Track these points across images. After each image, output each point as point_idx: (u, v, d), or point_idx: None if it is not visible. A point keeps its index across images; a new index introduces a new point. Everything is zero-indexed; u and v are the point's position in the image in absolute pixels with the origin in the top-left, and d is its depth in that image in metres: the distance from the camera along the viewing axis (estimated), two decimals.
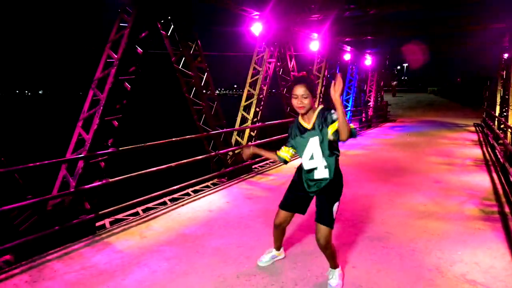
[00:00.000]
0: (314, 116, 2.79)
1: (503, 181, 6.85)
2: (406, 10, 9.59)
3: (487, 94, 17.26)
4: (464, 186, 6.54)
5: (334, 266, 3.11)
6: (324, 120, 2.71)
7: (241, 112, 7.92)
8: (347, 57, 14.23)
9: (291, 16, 8.73)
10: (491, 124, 12.31)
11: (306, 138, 2.82)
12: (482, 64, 21.77)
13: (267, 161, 8.67)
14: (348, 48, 14.40)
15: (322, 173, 2.84)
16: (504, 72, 11.53)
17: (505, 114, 11.56)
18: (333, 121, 2.64)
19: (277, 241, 3.44)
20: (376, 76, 17.72)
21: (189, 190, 6.23)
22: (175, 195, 5.99)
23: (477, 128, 16.41)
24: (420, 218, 4.84)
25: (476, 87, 27.60)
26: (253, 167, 7.82)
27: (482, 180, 6.95)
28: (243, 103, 7.92)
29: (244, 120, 7.96)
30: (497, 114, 12.17)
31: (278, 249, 3.52)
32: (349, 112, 14.46)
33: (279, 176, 7.22)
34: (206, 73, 6.22)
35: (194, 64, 5.94)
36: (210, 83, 6.30)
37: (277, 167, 8.11)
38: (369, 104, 17.30)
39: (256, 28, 8.27)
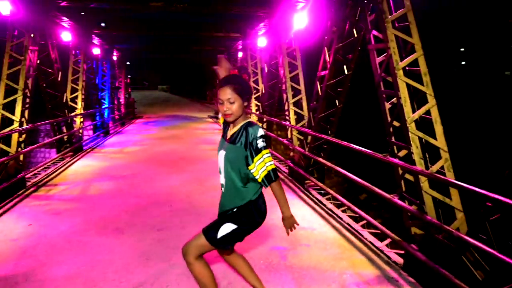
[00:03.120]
0: (235, 128, 2.27)
1: None
2: (153, 11, 10.19)
3: None
4: None
5: None
6: (245, 139, 2.21)
7: (0, 112, 6.07)
8: (97, 51, 13.36)
9: None
10: None
11: (220, 147, 2.35)
12: (204, 65, 25.92)
13: (39, 170, 7.18)
14: (96, 41, 13.56)
15: (223, 193, 2.36)
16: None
17: None
18: (258, 151, 2.18)
19: None
20: (124, 72, 17.56)
21: None
22: None
23: (215, 119, 19.56)
24: None
25: (201, 85, 32.43)
26: (26, 177, 6.29)
27: None
28: (1, 101, 6.09)
29: (5, 122, 6.16)
30: None
31: None
32: (106, 110, 13.71)
33: (70, 184, 6.18)
34: None
35: None
36: None
37: (56, 176, 6.84)
38: (120, 101, 16.97)
39: (4, 7, 6.53)
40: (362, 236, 4.13)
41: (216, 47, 15.70)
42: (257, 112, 10.38)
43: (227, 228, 2.29)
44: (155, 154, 9.06)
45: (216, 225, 2.32)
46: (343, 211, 5.12)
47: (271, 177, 2.20)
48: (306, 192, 5.83)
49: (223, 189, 2.34)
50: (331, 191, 5.12)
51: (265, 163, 2.19)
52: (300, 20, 7.73)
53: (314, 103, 5.96)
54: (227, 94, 2.19)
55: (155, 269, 3.31)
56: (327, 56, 5.50)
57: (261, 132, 2.21)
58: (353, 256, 3.65)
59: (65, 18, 9.32)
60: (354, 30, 5.14)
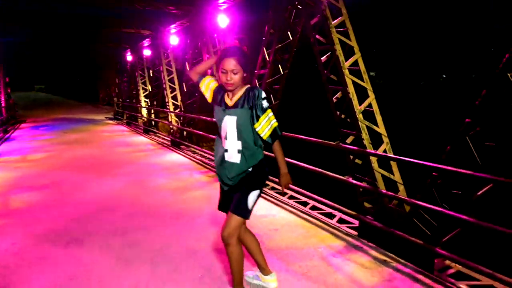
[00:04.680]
0: (239, 94, 2.41)
1: (187, 155, 8.76)
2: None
3: (121, 92, 19.47)
4: (172, 163, 7.87)
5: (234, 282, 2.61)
6: (251, 100, 2.36)
7: None
8: None
9: None
10: (138, 115, 14.47)
11: (224, 114, 2.44)
12: (100, 62, 23.94)
13: None
14: None
15: (234, 157, 2.42)
16: (149, 71, 13.85)
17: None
18: (264, 110, 2.37)
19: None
20: (2, 71, 15.13)
21: None
22: None
23: (116, 121, 18.30)
24: (183, 193, 5.63)
25: (91, 85, 29.60)
26: None
27: (177, 157, 8.57)
28: None
29: None
30: (143, 105, 14.39)
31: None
32: None
33: None
34: None
35: None
36: None
37: None
38: (1, 103, 14.58)
39: None
40: (316, 216, 4.65)
41: (120, 44, 14.69)
42: (177, 111, 10.21)
43: (253, 195, 2.44)
44: (70, 160, 8.20)
45: (243, 198, 2.42)
46: (289, 197, 5.60)
47: (277, 133, 2.40)
48: None
49: (226, 154, 2.43)
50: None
51: (270, 121, 2.38)
52: (223, 20, 7.97)
53: None
54: (231, 65, 2.32)
55: (142, 272, 3.21)
56: (266, 55, 5.89)
57: (264, 94, 2.40)
58: (318, 233, 4.11)
59: None
60: (289, 33, 5.64)
